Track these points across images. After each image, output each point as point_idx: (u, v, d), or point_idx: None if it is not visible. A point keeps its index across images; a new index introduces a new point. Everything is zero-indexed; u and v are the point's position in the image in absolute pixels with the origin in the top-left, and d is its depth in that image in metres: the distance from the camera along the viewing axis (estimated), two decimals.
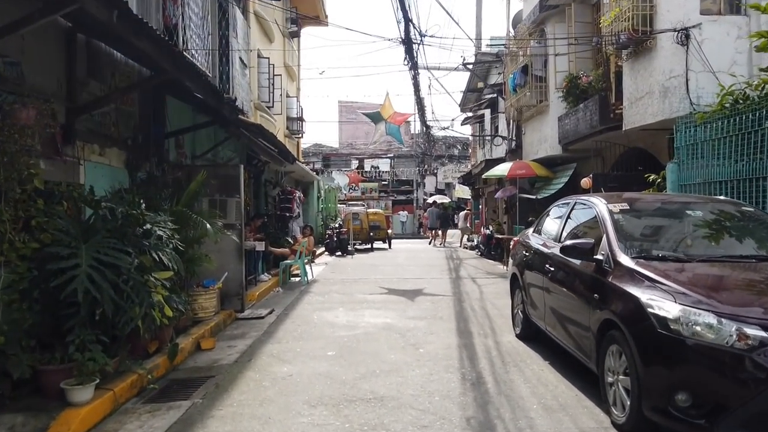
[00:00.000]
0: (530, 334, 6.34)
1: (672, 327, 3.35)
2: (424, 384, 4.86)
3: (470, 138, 31.52)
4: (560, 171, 14.42)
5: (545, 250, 5.68)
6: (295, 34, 19.33)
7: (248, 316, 7.93)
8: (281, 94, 15.65)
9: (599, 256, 4.35)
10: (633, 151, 11.21)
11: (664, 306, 3.47)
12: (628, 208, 4.78)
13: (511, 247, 7.46)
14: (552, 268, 5.25)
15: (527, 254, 6.32)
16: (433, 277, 12.52)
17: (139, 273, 4.44)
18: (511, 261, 7.21)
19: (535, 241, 6.29)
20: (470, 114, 25.39)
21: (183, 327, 6.39)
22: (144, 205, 6.06)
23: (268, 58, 14.10)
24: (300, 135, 19.41)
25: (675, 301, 3.46)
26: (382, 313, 8.20)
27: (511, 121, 16.76)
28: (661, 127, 8.99)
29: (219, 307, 7.62)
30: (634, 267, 3.97)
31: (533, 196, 14.01)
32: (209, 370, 5.42)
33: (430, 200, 29.25)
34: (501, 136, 17.55)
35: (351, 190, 35.92)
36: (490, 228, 17.48)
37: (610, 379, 3.95)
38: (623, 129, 9.97)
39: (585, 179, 10.74)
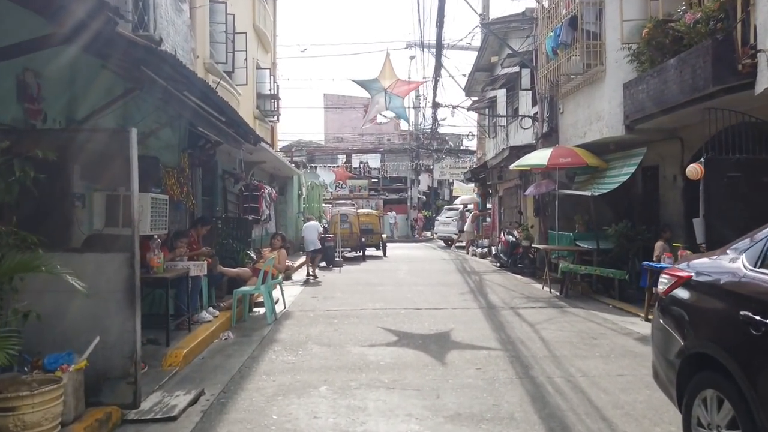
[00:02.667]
0: None
1: None
2: None
3: (472, 131, 27.96)
4: (617, 159, 10.84)
5: None
6: None
7: (145, 417, 4.17)
8: (246, 59, 11.89)
9: None
10: (734, 130, 7.56)
11: None
12: None
13: (658, 288, 3.75)
14: None
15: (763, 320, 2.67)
16: (455, 307, 8.86)
17: None
18: (673, 326, 3.53)
19: None
20: (476, 98, 21.82)
21: None
22: None
23: (225, 2, 10.32)
24: (275, 117, 15.66)
25: None
26: (399, 401, 4.50)
27: (544, 97, 13.16)
28: None
29: (82, 406, 3.88)
30: None
31: (587, 192, 10.40)
32: None
33: (459, 202, 25.73)
34: (530, 117, 13.92)
35: (338, 188, 32.20)
36: (515, 234, 13.85)
37: None
38: (760, 88, 6.46)
39: (693, 166, 7.14)
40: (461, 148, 36.05)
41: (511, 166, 12.44)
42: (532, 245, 12.99)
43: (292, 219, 19.27)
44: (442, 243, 25.61)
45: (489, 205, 20.98)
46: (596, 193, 10.13)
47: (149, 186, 5.96)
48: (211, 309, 7.37)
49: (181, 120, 7.34)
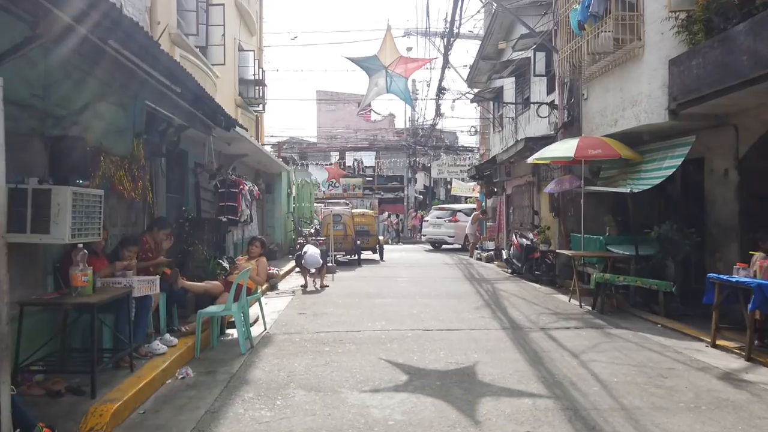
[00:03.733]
0: None
1: None
2: None
3: (474, 125, 26.51)
4: (654, 151, 9.32)
5: None
6: None
7: None
8: (224, 35, 10.28)
9: None
10: None
11: None
12: None
13: None
14: None
15: None
16: (473, 327, 7.30)
17: None
18: None
19: None
20: (479, 89, 20.29)
21: None
22: None
23: None
24: (260, 106, 14.05)
25: None
26: None
27: (564, 82, 11.65)
28: None
29: None
30: None
31: (624, 189, 8.87)
32: None
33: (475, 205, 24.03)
34: (548, 104, 12.39)
35: (331, 187, 30.61)
36: (531, 237, 12.33)
37: None
38: None
39: None
40: (458, 145, 34.58)
41: (529, 160, 10.90)
42: (552, 249, 11.48)
43: (280, 220, 17.66)
44: (429, 246, 23.98)
45: (497, 206, 19.45)
46: (635, 190, 8.61)
47: (70, 177, 4.36)
48: (167, 336, 5.76)
49: (127, 92, 5.73)
